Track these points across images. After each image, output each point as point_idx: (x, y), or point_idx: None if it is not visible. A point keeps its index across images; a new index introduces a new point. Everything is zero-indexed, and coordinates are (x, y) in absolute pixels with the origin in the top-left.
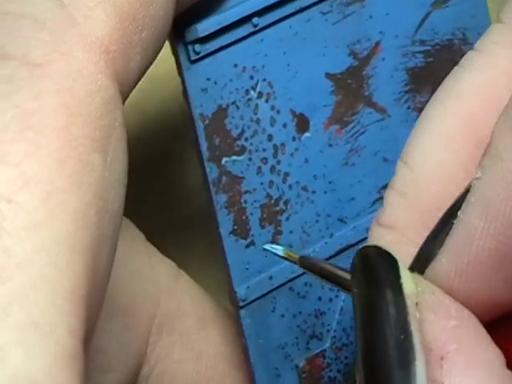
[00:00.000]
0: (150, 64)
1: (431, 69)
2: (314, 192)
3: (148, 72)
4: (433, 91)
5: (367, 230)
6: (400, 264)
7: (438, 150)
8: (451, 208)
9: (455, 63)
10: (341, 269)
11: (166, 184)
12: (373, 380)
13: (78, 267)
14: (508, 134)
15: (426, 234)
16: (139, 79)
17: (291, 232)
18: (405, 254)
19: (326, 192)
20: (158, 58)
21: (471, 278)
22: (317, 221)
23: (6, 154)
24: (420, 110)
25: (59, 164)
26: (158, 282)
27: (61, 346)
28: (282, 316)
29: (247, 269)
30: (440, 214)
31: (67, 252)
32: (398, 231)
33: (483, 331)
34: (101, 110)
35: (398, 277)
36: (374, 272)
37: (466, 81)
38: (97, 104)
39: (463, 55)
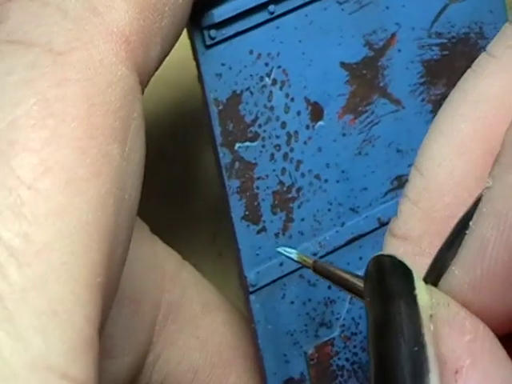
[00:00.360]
0: (169, 52)
1: (447, 62)
2: (326, 181)
3: None
4: (448, 84)
5: (379, 220)
6: (415, 275)
7: (450, 158)
8: (464, 218)
9: (471, 57)
10: (355, 275)
11: (161, 184)
12: None
13: (96, 255)
14: None
15: (439, 243)
16: (158, 68)
17: (303, 220)
18: (419, 265)
19: (338, 181)
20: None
21: (485, 290)
22: (329, 209)
23: (27, 141)
24: (434, 103)
25: (79, 153)
26: (162, 269)
27: (78, 333)
28: (292, 303)
29: (258, 254)
30: (453, 224)
31: (86, 240)
32: (412, 242)
33: (499, 346)
34: (121, 100)
35: (412, 288)
36: (388, 282)
37: (480, 87)
38: (117, 94)
39: (480, 49)
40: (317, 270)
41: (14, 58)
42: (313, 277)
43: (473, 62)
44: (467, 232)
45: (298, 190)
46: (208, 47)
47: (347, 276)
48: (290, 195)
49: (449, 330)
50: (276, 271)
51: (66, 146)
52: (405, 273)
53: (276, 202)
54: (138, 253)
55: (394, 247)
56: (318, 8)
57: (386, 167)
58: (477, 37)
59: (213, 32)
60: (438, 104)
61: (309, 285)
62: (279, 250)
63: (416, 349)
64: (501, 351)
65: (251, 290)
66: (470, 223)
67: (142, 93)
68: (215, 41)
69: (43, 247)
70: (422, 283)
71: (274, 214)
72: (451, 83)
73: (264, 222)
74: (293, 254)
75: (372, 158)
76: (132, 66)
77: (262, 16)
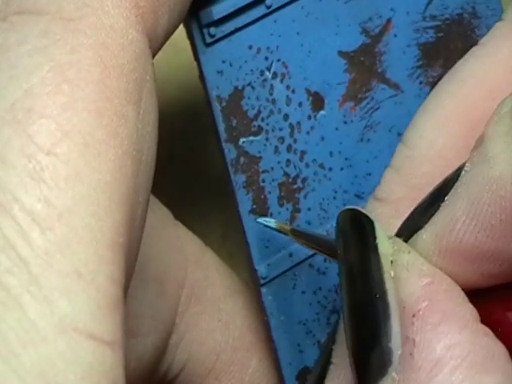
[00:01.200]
0: (177, 27)
1: (442, 43)
2: (330, 169)
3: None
4: (444, 65)
5: None
6: (376, 225)
7: (432, 130)
8: (439, 188)
9: (466, 37)
10: (329, 238)
11: (170, 185)
12: (356, 337)
13: (117, 216)
14: (499, 140)
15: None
16: (166, 40)
17: (309, 209)
18: (393, 226)
19: (342, 169)
20: (158, 58)
21: (448, 261)
22: (334, 197)
23: (44, 107)
24: (432, 84)
25: (96, 116)
26: (185, 251)
27: (103, 293)
28: (303, 292)
29: (267, 247)
30: (429, 190)
31: (106, 201)
32: (389, 204)
33: (457, 288)
34: (133, 63)
35: (373, 237)
36: (351, 233)
37: (467, 69)
38: (129, 57)
39: (473, 29)
40: (295, 235)
41: (26, 27)
42: (322, 265)
43: (467, 41)
44: (441, 205)
45: (304, 180)
46: (208, 45)
47: (323, 238)
48: (295, 186)
49: (407, 275)
50: (286, 262)
51: (83, 110)
52: (366, 223)
53: (282, 194)
54: (162, 235)
55: (373, 208)
56: None
57: (389, 151)
58: (470, 17)
59: (212, 30)
60: (435, 86)
61: (318, 273)
62: (259, 220)
63: (378, 295)
64: (458, 293)
65: (262, 282)
66: (446, 197)
67: (152, 59)
68: (215, 38)
69: (65, 210)
70: (384, 232)
71: (281, 205)
72: (448, 64)
73: (271, 214)
74: (271, 222)
75: (374, 143)
76: (142, 30)
77: (259, 11)
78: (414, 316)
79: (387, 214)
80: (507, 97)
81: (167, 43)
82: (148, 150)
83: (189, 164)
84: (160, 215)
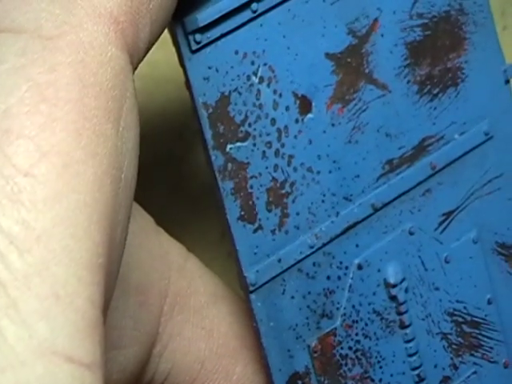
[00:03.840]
0: (158, 37)
1: (430, 41)
2: (318, 172)
3: (151, 73)
4: (432, 64)
5: (372, 206)
6: None
7: None
8: None
9: (453, 34)
10: None
11: (169, 184)
12: None
13: (96, 236)
14: None
15: None
16: (148, 51)
17: (298, 214)
18: None
19: (330, 171)
20: (158, 58)
21: None
22: (323, 201)
23: (22, 128)
24: (420, 83)
25: (75, 136)
26: (167, 259)
27: (82, 315)
28: (292, 297)
29: (256, 253)
30: None
31: (85, 222)
32: None
33: None
34: (112, 80)
35: None
36: None
37: None
38: (108, 75)
39: (461, 25)
40: None
41: (4, 46)
42: (311, 269)
43: (455, 39)
44: None
45: (292, 184)
46: (194, 52)
47: None
48: (283, 191)
49: None
50: (275, 268)
51: (61, 130)
52: None
53: (270, 199)
54: (144, 243)
55: None
56: (299, 1)
57: (377, 152)
58: (457, 13)
59: (198, 36)
60: (423, 84)
61: (307, 277)
62: None
63: None
64: None
65: (251, 289)
66: None
67: (133, 74)
68: (200, 45)
69: (43, 233)
70: None
71: (269, 211)
72: (435, 62)
73: (260, 220)
74: None
75: (362, 144)
76: (122, 47)
77: (245, 15)
78: None
79: None
80: None
81: (167, 42)
82: (128, 168)
83: (188, 163)
84: (142, 223)
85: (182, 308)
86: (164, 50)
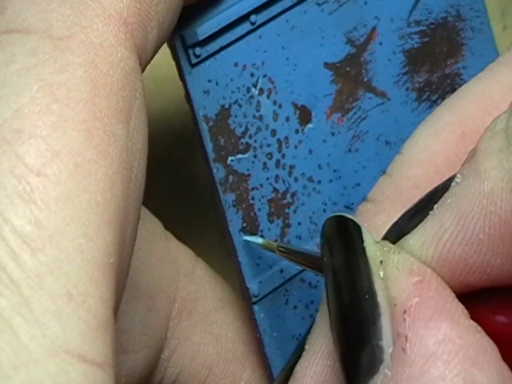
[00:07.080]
0: (165, 40)
1: (428, 48)
2: (319, 182)
3: (151, 73)
4: (430, 70)
5: None
6: (363, 228)
7: (427, 137)
8: (429, 195)
9: (451, 40)
10: (315, 252)
11: (170, 184)
12: (345, 339)
13: (107, 236)
14: (492, 156)
15: (400, 207)
16: (155, 53)
17: (299, 224)
18: (379, 224)
19: (331, 181)
20: (158, 58)
21: (435, 268)
22: (324, 210)
23: (33, 127)
24: (419, 90)
25: (86, 136)
26: (176, 264)
27: (94, 315)
28: (295, 307)
29: (258, 264)
30: (417, 193)
31: (97, 222)
32: (377, 203)
33: (445, 286)
34: (122, 81)
35: (360, 239)
36: (336, 238)
37: (468, 87)
38: (118, 75)
39: (458, 31)
40: (281, 251)
41: (15, 46)
42: (314, 279)
43: (452, 45)
44: (430, 213)
45: (293, 194)
46: (194, 65)
47: (310, 253)
48: (285, 201)
49: (397, 274)
50: (277, 278)
51: (72, 130)
52: (353, 227)
53: (272, 210)
54: (153, 248)
55: (362, 207)
56: (298, 12)
57: (377, 160)
58: (455, 20)
59: (197, 50)
60: (422, 91)
61: (310, 287)
62: (246, 238)
63: (367, 296)
64: (447, 291)
65: (254, 300)
66: (435, 206)
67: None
68: (200, 58)
69: (55, 232)
70: (370, 235)
71: (271, 222)
72: (433, 69)
73: (262, 231)
74: (258, 240)
75: (362, 153)
76: (131, 47)
77: (244, 28)
78: (405, 312)
79: (374, 212)
80: (502, 113)
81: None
82: (138, 168)
83: (188, 163)
84: (151, 228)
85: (191, 313)
86: (164, 51)
